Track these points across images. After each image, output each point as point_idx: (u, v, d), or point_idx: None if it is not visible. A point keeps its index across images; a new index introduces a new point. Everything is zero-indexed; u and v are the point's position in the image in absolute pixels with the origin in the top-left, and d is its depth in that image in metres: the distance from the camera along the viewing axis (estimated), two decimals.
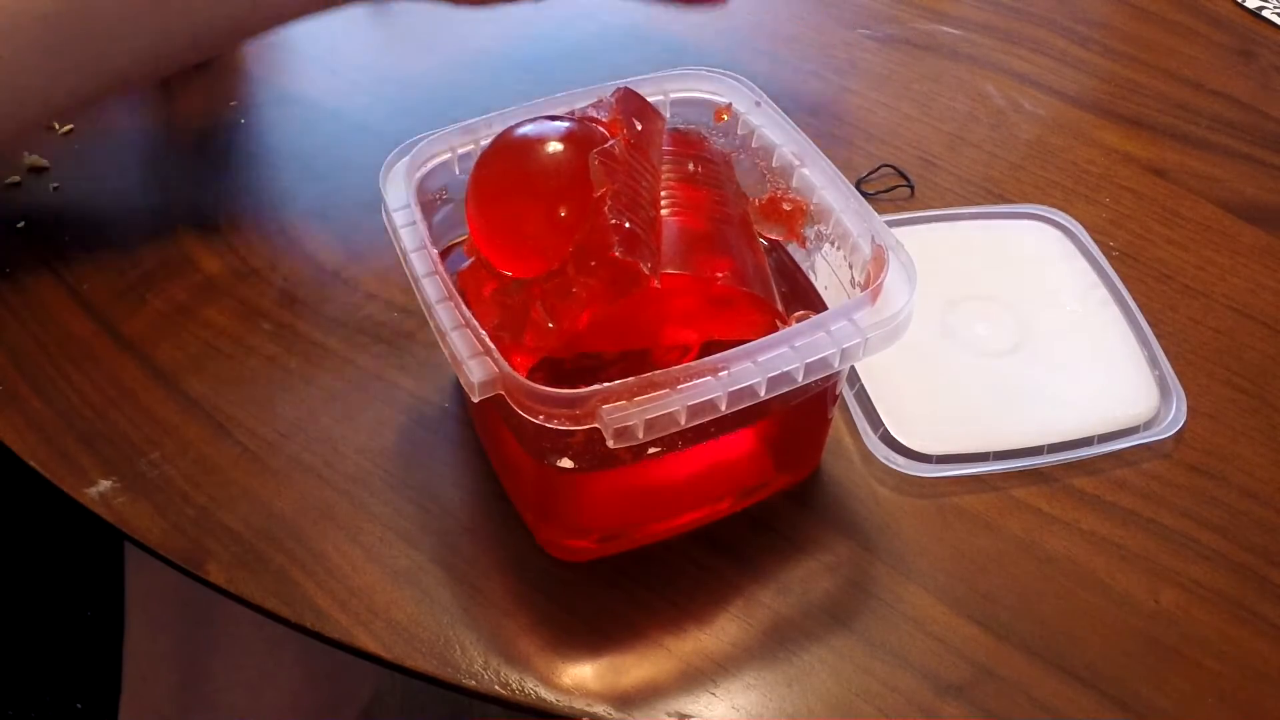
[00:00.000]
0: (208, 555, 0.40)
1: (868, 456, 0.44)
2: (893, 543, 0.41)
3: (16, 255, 0.50)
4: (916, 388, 0.45)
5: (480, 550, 0.40)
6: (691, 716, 0.36)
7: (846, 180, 0.39)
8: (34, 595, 0.58)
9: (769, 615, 0.39)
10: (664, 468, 0.38)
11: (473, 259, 0.38)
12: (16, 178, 0.54)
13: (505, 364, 0.33)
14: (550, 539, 0.40)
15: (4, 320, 0.47)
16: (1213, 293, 0.51)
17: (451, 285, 0.35)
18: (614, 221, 0.34)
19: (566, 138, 0.37)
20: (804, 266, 0.42)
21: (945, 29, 0.66)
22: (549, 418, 0.32)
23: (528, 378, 0.33)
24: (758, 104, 0.42)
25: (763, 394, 0.34)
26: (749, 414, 0.35)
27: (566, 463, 0.36)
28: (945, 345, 0.47)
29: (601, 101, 0.40)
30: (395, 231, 0.38)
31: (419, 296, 0.36)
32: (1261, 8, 0.69)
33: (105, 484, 0.42)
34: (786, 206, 0.40)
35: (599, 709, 0.36)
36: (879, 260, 0.37)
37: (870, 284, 0.36)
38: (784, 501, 0.42)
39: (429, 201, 0.40)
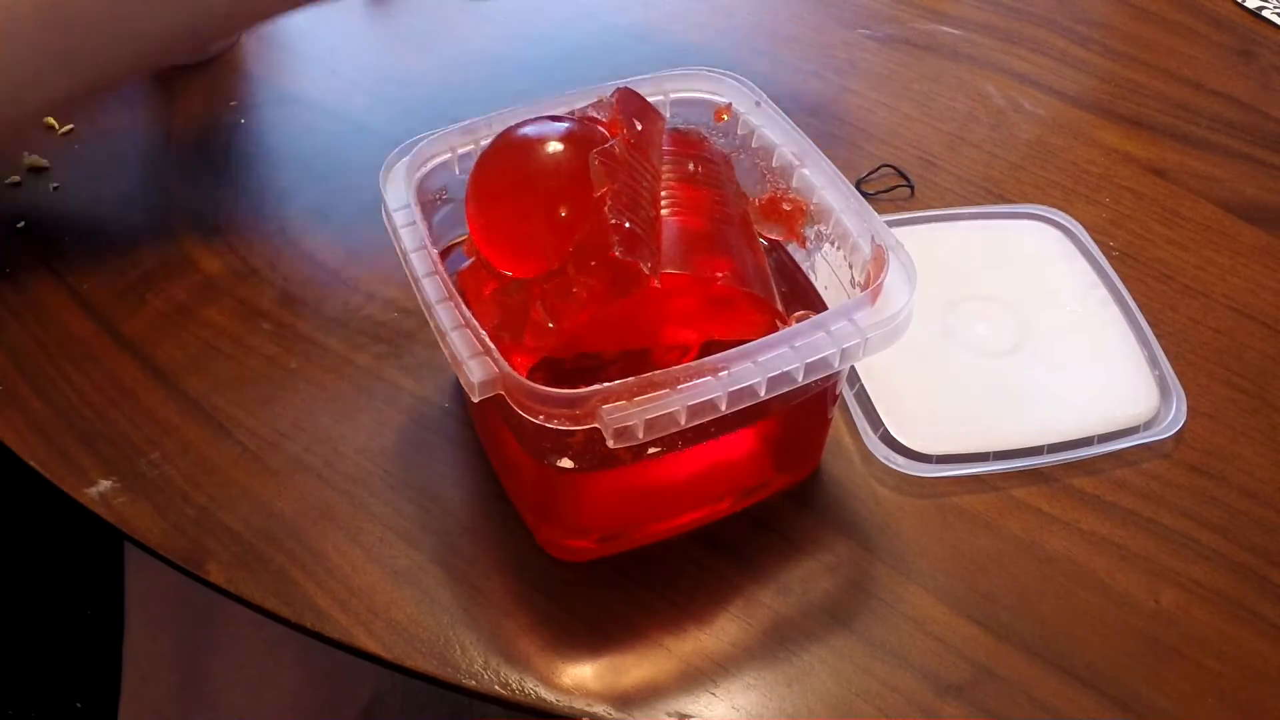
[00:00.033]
0: (208, 555, 0.40)
1: (868, 456, 0.44)
2: (893, 543, 0.41)
3: (16, 255, 0.50)
4: (916, 388, 0.45)
5: (480, 550, 0.40)
6: (691, 716, 0.36)
7: (846, 180, 0.39)
8: (34, 595, 0.58)
9: (769, 615, 0.39)
10: (664, 468, 0.38)
11: (473, 259, 0.38)
12: (16, 178, 0.54)
13: (505, 364, 0.33)
14: (550, 539, 0.40)
15: (4, 320, 0.47)
16: (1213, 293, 0.51)
17: (451, 285, 0.35)
18: (614, 221, 0.34)
19: (566, 138, 0.37)
20: (804, 266, 0.42)
21: (945, 29, 0.66)
22: (549, 418, 0.32)
23: (528, 378, 0.33)
24: (758, 104, 0.42)
25: (763, 394, 0.34)
26: (749, 414, 0.35)
27: (566, 463, 0.36)
28: (945, 345, 0.47)
29: (601, 101, 0.40)
30: (395, 231, 0.38)
31: (419, 296, 0.36)
32: (1261, 8, 0.69)
33: (105, 484, 0.42)
34: (786, 206, 0.40)
35: (599, 709, 0.36)
36: (879, 260, 0.37)
37: (870, 284, 0.36)
38: (784, 501, 0.42)
39: (429, 201, 0.40)
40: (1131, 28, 0.68)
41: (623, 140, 0.37)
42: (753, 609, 0.39)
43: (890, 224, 0.45)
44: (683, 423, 0.33)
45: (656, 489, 0.40)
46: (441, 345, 0.35)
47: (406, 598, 0.39)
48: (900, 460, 0.43)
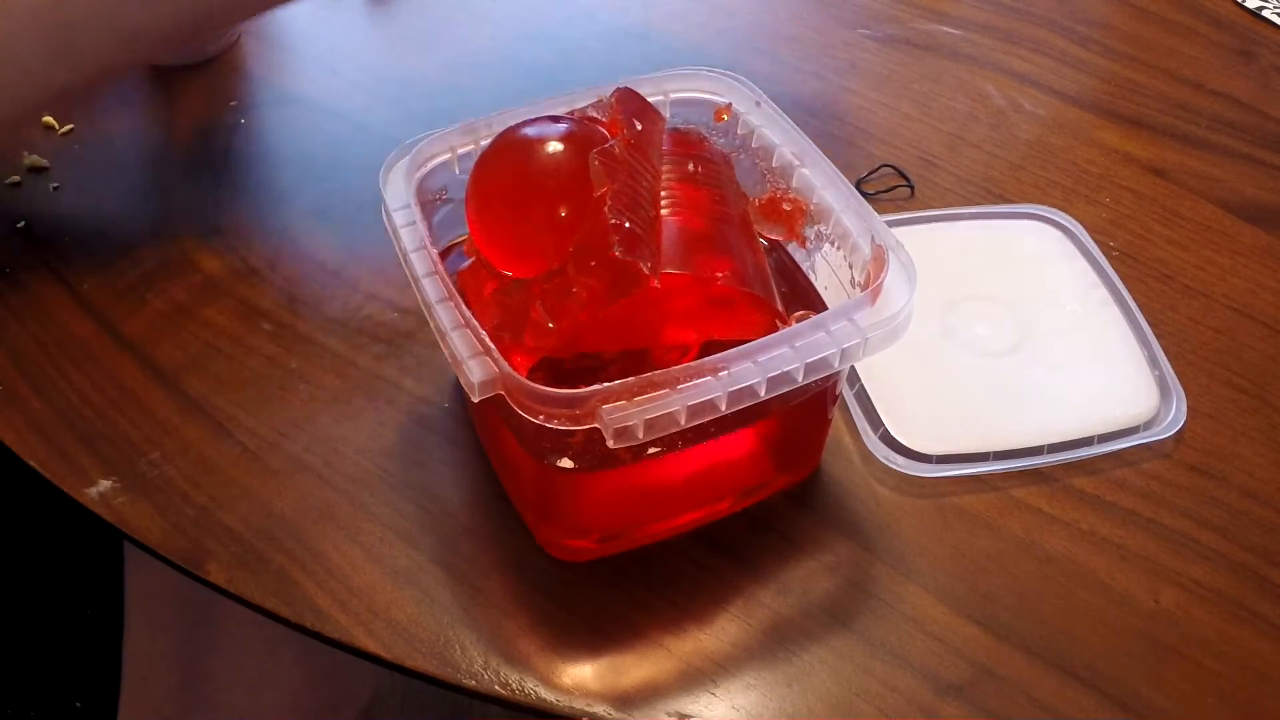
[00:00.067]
0: (208, 555, 0.40)
1: (868, 456, 0.44)
2: (893, 543, 0.41)
3: (16, 255, 0.50)
4: (916, 388, 0.45)
5: (480, 550, 0.40)
6: (691, 716, 0.36)
7: (846, 180, 0.39)
8: (34, 595, 0.58)
9: (769, 615, 0.39)
10: (664, 468, 0.38)
11: (473, 259, 0.38)
12: (16, 178, 0.54)
13: (505, 364, 0.33)
14: (550, 539, 0.40)
15: (4, 320, 0.47)
16: (1213, 293, 0.51)
17: (451, 285, 0.35)
18: (614, 221, 0.34)
19: (566, 138, 0.37)
20: (804, 266, 0.42)
21: (945, 29, 0.66)
22: (549, 418, 0.32)
23: (528, 378, 0.33)
24: (758, 104, 0.42)
25: (763, 394, 0.34)
26: (749, 414, 0.35)
27: (566, 463, 0.36)
28: (945, 345, 0.47)
29: (601, 101, 0.40)
30: (395, 231, 0.38)
31: (419, 296, 0.36)
32: (1261, 8, 0.69)
33: (105, 484, 0.42)
34: (786, 206, 0.40)
35: (599, 709, 0.36)
36: (879, 260, 0.37)
37: (870, 284, 0.36)
38: (784, 501, 0.42)
39: (429, 201, 0.40)
40: (1131, 28, 0.68)
41: (623, 140, 0.37)
42: (753, 609, 0.39)
43: (890, 224, 0.45)
44: (683, 423, 0.33)
45: (656, 489, 0.40)
46: (441, 345, 0.35)
47: (406, 598, 0.39)
48: (900, 460, 0.43)
